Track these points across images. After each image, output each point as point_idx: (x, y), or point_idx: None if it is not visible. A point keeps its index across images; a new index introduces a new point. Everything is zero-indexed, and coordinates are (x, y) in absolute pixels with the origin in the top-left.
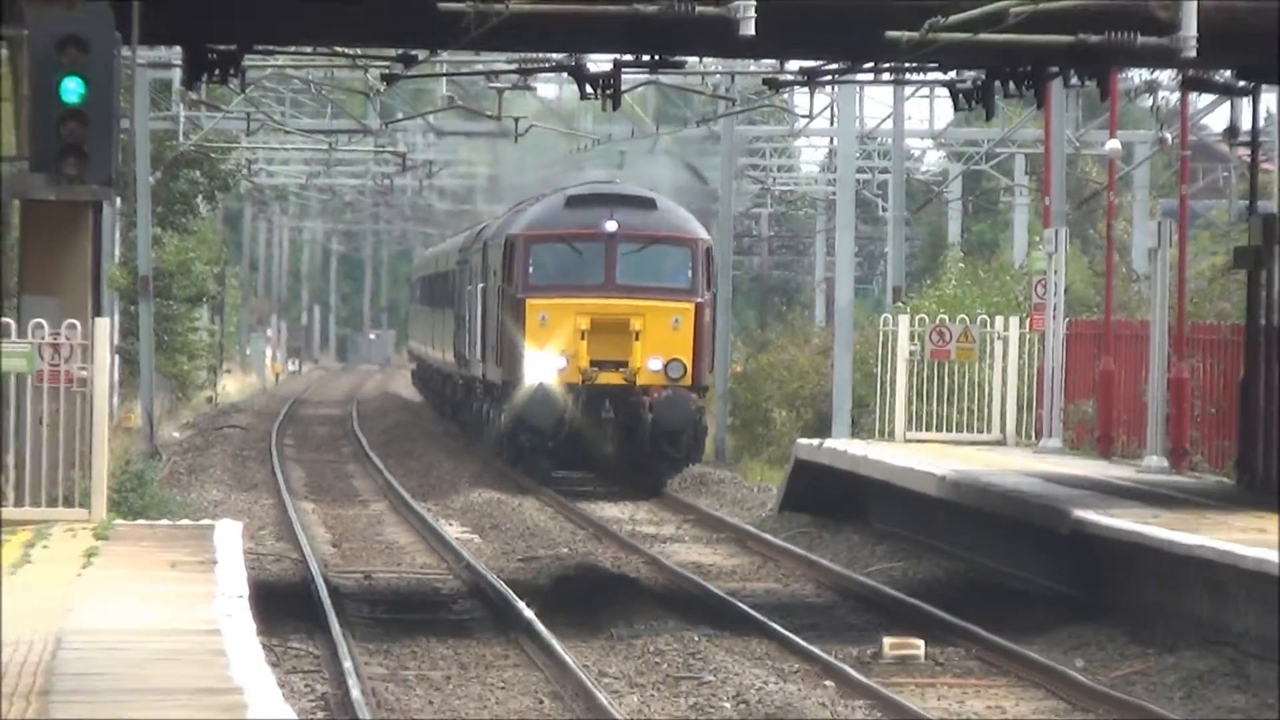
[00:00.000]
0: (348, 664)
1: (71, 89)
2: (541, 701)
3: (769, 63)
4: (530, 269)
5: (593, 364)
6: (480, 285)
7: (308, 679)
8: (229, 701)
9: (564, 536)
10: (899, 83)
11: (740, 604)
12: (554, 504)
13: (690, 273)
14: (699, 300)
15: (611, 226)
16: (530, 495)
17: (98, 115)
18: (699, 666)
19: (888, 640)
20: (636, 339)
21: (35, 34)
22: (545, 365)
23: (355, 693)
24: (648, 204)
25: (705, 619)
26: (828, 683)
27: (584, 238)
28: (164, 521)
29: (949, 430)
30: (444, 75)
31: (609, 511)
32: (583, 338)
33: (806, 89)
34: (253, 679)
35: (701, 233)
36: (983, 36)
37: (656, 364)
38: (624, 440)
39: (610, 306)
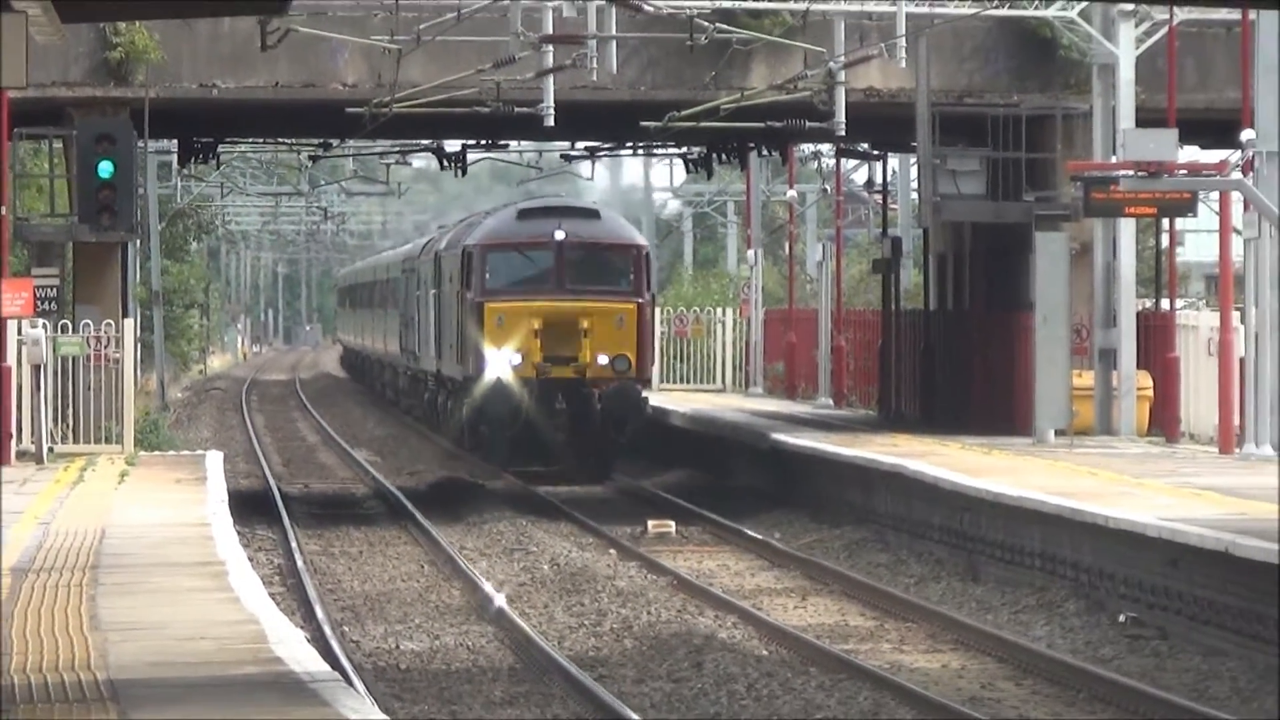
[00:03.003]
0: (294, 544)
1: (105, 169)
2: (422, 567)
3: (563, 144)
4: (488, 275)
5: (547, 359)
6: (433, 291)
7: (268, 554)
8: (216, 570)
9: (436, 456)
10: (649, 155)
11: (553, 500)
12: (428, 435)
13: (632, 276)
14: (640, 300)
15: (561, 234)
16: (412, 431)
17: (122, 186)
18: (526, 541)
19: (650, 522)
20: (585, 336)
21: (81, 133)
22: (503, 361)
23: (300, 562)
24: (592, 214)
25: (530, 510)
26: (611, 551)
27: (536, 245)
28: (171, 452)
29: (688, 382)
30: (350, 155)
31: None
32: (536, 336)
33: (589, 160)
34: (231, 555)
35: (641, 239)
36: (704, 124)
37: (604, 359)
38: (576, 429)
39: (561, 307)
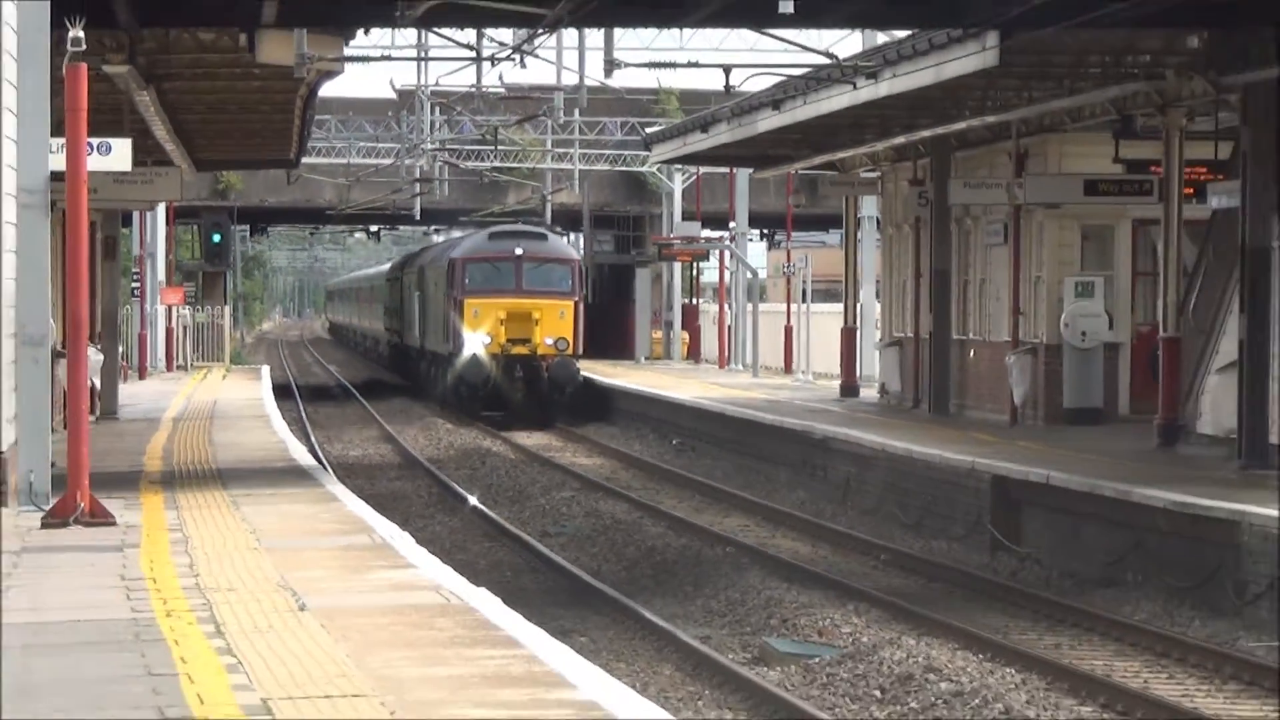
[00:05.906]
0: (301, 408)
1: (216, 237)
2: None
3: (425, 226)
4: (467, 280)
5: (509, 340)
6: (417, 292)
7: (291, 412)
8: (265, 419)
9: (384, 373)
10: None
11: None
12: (377, 361)
13: (570, 281)
14: (576, 299)
15: (519, 251)
16: (364, 359)
17: (225, 244)
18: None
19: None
20: (537, 324)
21: (205, 221)
22: (477, 341)
23: (304, 416)
24: (542, 237)
25: (407, 394)
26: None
27: (502, 259)
28: (246, 366)
29: None
30: (327, 232)
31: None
32: (501, 324)
33: (438, 234)
34: (272, 412)
35: (576, 256)
36: (485, 219)
37: (550, 340)
38: (529, 390)
39: (519, 303)
